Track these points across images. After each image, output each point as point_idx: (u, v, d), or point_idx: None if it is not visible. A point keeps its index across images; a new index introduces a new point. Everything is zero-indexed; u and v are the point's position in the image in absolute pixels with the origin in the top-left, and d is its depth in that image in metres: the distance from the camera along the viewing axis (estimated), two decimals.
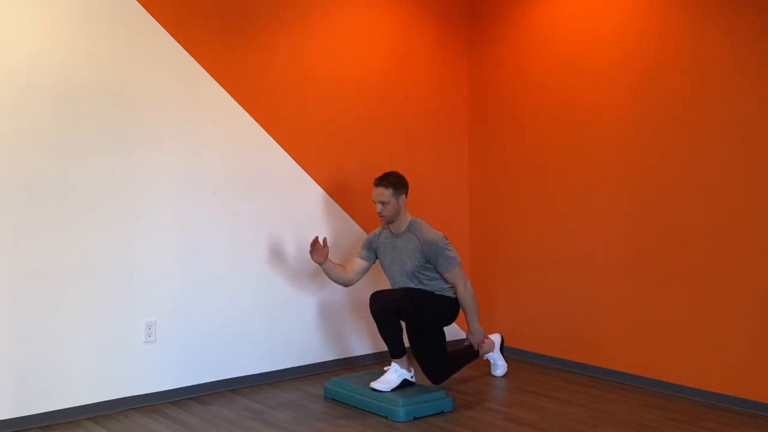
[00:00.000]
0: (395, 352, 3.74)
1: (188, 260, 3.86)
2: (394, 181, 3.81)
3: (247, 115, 4.08)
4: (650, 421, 3.49)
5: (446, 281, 3.85)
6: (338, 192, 4.47)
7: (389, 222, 3.87)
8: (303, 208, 4.31)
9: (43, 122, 3.39)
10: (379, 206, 3.82)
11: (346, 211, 4.51)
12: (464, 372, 4.36)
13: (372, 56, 4.64)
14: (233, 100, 4.02)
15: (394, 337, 3.74)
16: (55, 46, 3.42)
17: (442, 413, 3.59)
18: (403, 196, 3.84)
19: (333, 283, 4.37)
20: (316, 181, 4.37)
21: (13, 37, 3.31)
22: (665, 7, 3.97)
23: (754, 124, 3.62)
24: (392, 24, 4.73)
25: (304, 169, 4.32)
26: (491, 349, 4.30)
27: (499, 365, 4.32)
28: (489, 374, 4.33)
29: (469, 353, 4.12)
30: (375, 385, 3.67)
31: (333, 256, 4.42)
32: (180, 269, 3.83)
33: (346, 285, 4.07)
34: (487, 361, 4.37)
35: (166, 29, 3.75)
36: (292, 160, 4.27)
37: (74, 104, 3.47)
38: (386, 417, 3.52)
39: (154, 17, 3.71)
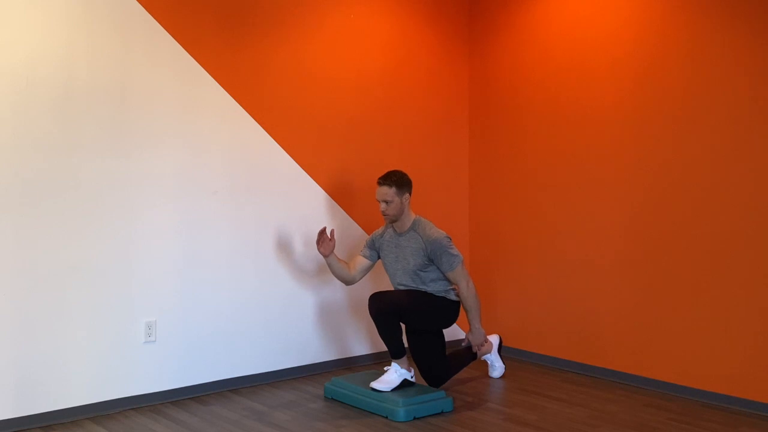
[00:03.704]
0: (395, 352, 3.74)
1: (188, 260, 3.86)
2: (398, 180, 3.83)
3: (247, 115, 4.08)
4: (650, 421, 3.49)
5: (449, 281, 3.85)
6: (338, 192, 4.47)
7: (393, 221, 3.89)
8: (303, 207, 4.31)
9: (43, 122, 3.39)
10: (383, 205, 3.84)
11: (346, 211, 4.51)
12: (464, 372, 4.36)
13: (372, 56, 4.64)
14: (233, 100, 4.02)
15: (394, 337, 3.74)
16: (55, 46, 3.42)
17: (442, 413, 3.59)
18: (407, 194, 3.86)
19: (333, 282, 4.38)
20: (316, 180, 4.37)
21: (13, 37, 3.31)
22: (665, 6, 3.97)
23: (754, 123, 3.62)
24: (392, 24, 4.73)
25: (304, 169, 4.32)
26: (489, 351, 4.29)
27: (497, 366, 4.30)
28: (488, 375, 4.33)
29: (468, 355, 4.12)
30: (375, 385, 3.67)
31: None
32: (180, 269, 3.83)
33: (347, 283, 4.08)
34: (485, 362, 4.37)
35: (166, 29, 3.76)
36: (292, 160, 4.27)
37: (74, 104, 3.47)
38: (386, 417, 3.52)
39: (154, 17, 3.71)
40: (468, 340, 4.01)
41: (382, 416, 3.54)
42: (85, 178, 3.51)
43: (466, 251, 5.07)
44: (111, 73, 3.58)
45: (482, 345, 4.02)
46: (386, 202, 3.83)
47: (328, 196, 4.42)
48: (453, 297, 3.90)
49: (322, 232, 3.91)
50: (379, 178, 3.88)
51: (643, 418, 3.53)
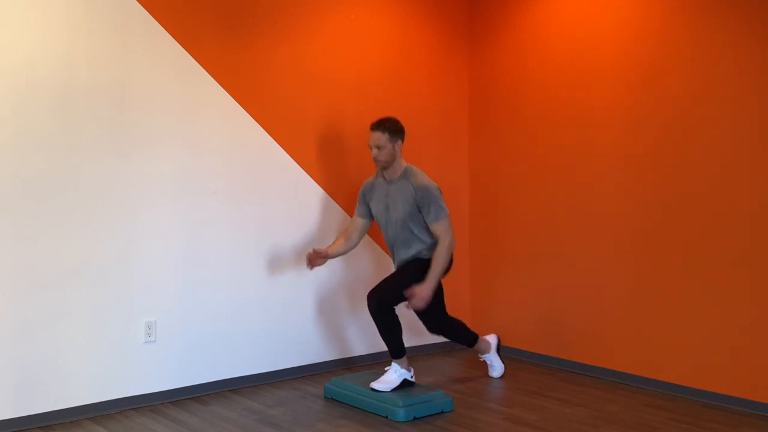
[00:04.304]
0: (395, 352, 3.74)
1: (188, 260, 3.86)
2: (391, 126, 3.80)
3: (247, 115, 4.08)
4: (650, 421, 3.49)
5: (431, 235, 3.76)
6: (338, 192, 4.48)
7: (384, 168, 3.85)
8: (303, 207, 4.31)
9: (43, 122, 3.39)
10: (374, 151, 3.81)
11: (345, 211, 4.51)
12: (464, 372, 4.36)
13: (372, 56, 4.64)
14: (233, 100, 4.02)
15: (394, 338, 3.74)
16: (55, 46, 3.42)
17: (442, 413, 3.59)
18: (399, 141, 3.82)
19: (333, 282, 4.39)
20: (316, 180, 4.37)
21: (13, 37, 3.31)
22: (665, 6, 3.97)
23: (754, 123, 3.62)
24: (392, 24, 4.73)
25: (304, 169, 4.32)
26: (488, 351, 4.28)
27: (496, 366, 4.30)
28: (487, 375, 4.33)
29: (467, 335, 4.11)
30: (375, 385, 3.67)
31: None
32: (180, 269, 3.83)
33: (350, 251, 4.13)
34: (485, 363, 4.37)
35: (166, 29, 3.76)
36: (292, 160, 4.27)
37: (74, 104, 3.47)
38: (386, 417, 3.52)
39: (154, 17, 3.71)
40: (412, 292, 3.63)
41: (382, 416, 3.54)
42: (85, 178, 3.51)
43: (466, 251, 5.07)
44: (111, 73, 3.58)
45: (423, 300, 3.63)
46: (378, 147, 3.79)
47: (328, 196, 4.42)
48: None
49: (309, 259, 3.95)
50: (372, 124, 3.84)
51: (643, 418, 3.53)
